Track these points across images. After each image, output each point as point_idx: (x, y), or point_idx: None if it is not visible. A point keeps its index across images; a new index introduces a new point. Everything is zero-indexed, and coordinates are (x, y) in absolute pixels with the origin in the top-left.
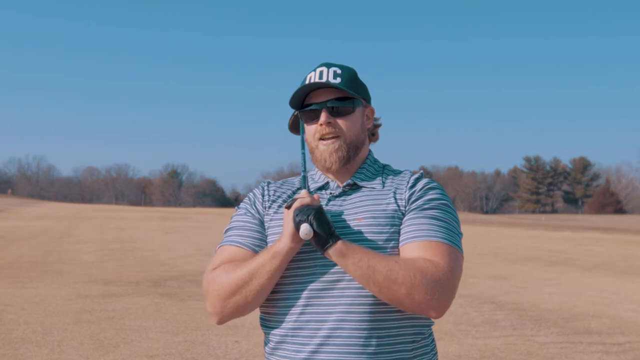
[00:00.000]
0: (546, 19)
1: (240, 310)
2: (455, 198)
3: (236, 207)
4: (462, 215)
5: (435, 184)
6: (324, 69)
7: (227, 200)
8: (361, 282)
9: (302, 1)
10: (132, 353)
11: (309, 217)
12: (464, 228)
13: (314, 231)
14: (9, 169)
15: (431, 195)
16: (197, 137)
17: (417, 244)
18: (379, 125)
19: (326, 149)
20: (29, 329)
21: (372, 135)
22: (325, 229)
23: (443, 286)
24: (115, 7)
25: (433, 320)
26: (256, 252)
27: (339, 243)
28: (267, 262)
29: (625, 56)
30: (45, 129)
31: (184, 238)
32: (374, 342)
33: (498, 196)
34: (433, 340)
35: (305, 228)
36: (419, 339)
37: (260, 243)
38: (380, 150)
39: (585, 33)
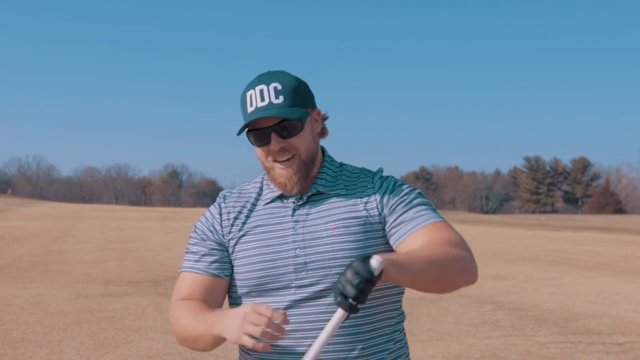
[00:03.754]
0: (546, 19)
1: (198, 350)
2: (455, 198)
3: (193, 228)
4: (462, 215)
5: (397, 178)
6: (264, 87)
7: None
8: (425, 284)
9: (303, 1)
10: (132, 353)
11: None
12: (463, 228)
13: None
14: (9, 169)
15: (405, 189)
16: (197, 137)
17: (420, 231)
18: (325, 119)
19: (284, 174)
20: (29, 329)
21: (322, 133)
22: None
23: (469, 251)
24: (115, 7)
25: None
26: (217, 276)
27: (387, 266)
28: (209, 335)
29: (625, 56)
30: (45, 129)
31: (184, 238)
32: (358, 345)
33: (498, 196)
34: (405, 335)
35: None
36: (396, 335)
37: (221, 265)
38: (381, 150)
39: (586, 33)
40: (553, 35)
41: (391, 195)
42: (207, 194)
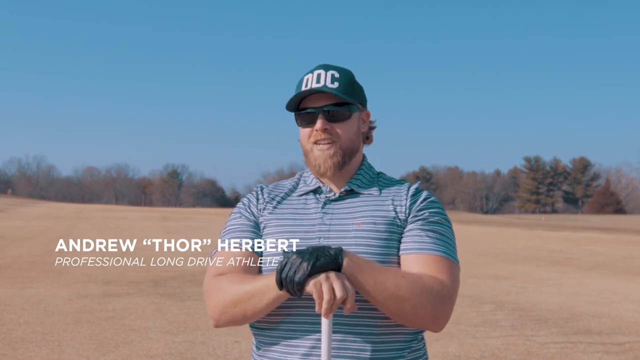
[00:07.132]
0: (546, 19)
1: (237, 322)
2: (455, 198)
3: (230, 213)
4: (462, 215)
5: (435, 197)
6: (322, 72)
7: (227, 200)
8: (366, 297)
9: (302, 1)
10: (132, 353)
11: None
12: (464, 228)
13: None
14: (9, 169)
15: (434, 209)
16: (197, 137)
17: (420, 257)
18: (373, 128)
19: (321, 155)
20: (29, 329)
21: (367, 138)
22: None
23: (445, 302)
24: (115, 6)
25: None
26: (254, 253)
27: (345, 264)
28: (272, 288)
29: (625, 56)
30: (45, 129)
31: (184, 238)
32: (369, 347)
33: (498, 196)
34: (424, 344)
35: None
36: (414, 344)
37: (257, 243)
38: (380, 150)
39: (586, 33)
40: (553, 35)
41: (419, 207)
42: (207, 194)
